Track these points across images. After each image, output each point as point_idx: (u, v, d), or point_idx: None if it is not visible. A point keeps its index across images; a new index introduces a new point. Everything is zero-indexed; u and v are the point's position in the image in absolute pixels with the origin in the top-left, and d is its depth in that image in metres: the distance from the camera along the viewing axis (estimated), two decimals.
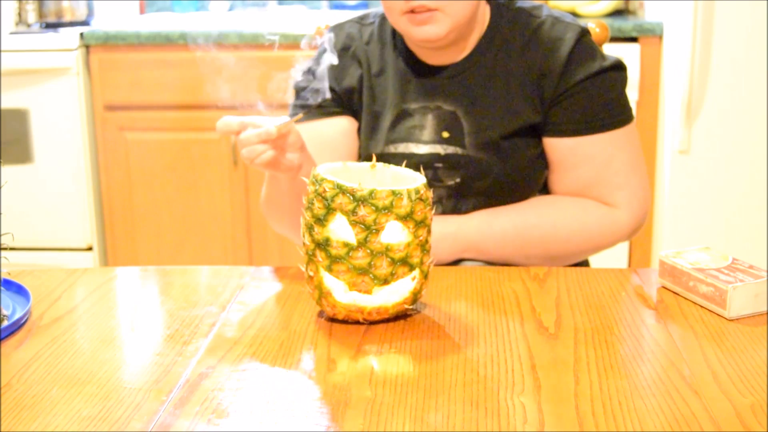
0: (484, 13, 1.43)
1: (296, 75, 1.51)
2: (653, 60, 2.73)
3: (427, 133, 1.42)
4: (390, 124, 1.44)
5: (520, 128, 1.40)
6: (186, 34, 2.80)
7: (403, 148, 1.43)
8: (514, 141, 1.41)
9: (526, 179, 1.43)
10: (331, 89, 1.48)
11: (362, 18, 1.53)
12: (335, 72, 1.48)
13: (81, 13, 3.15)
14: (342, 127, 1.49)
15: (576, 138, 1.40)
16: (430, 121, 1.43)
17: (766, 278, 1.10)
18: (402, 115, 1.44)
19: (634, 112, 2.95)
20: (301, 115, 1.26)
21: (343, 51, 1.49)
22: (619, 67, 1.42)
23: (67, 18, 3.11)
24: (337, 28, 1.52)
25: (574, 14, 2.98)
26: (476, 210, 1.42)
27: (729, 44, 2.57)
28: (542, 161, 1.44)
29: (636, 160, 1.42)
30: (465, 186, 1.41)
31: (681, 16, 2.57)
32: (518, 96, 1.40)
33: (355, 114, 1.49)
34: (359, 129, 1.49)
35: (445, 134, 1.41)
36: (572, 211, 1.40)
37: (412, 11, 1.33)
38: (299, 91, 1.51)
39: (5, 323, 1.07)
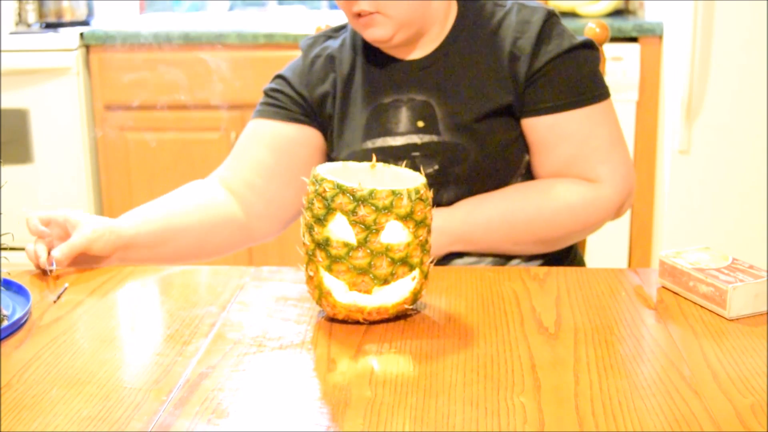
0: (450, 8, 1.45)
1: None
2: (653, 60, 2.73)
3: (403, 124, 1.43)
4: (366, 121, 1.45)
5: (493, 110, 1.40)
6: (188, 33, 2.80)
7: (380, 142, 1.44)
8: (489, 123, 1.40)
9: (505, 163, 1.42)
10: (303, 97, 1.50)
11: (336, 29, 1.56)
12: (308, 79, 1.50)
13: (81, 13, 3.15)
14: (303, 136, 1.50)
15: (553, 115, 1.40)
16: (404, 112, 1.43)
17: (766, 278, 1.10)
18: (376, 111, 1.45)
19: (633, 112, 2.95)
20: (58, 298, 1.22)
21: (315, 59, 1.51)
22: (590, 46, 1.43)
23: (67, 18, 3.11)
24: (309, 40, 1.55)
25: (574, 14, 2.98)
26: (458, 200, 1.42)
27: (729, 44, 2.57)
28: (520, 144, 1.43)
29: (616, 134, 1.42)
30: (443, 173, 1.41)
31: (681, 16, 2.57)
32: (490, 80, 1.41)
33: (324, 125, 1.50)
34: (330, 134, 1.50)
35: (420, 123, 1.42)
36: (556, 190, 1.40)
37: (359, 15, 1.38)
38: (267, 93, 1.53)
39: (5, 323, 1.07)
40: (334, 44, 1.52)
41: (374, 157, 1.14)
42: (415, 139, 1.42)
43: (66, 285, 1.22)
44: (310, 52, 1.53)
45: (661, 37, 2.71)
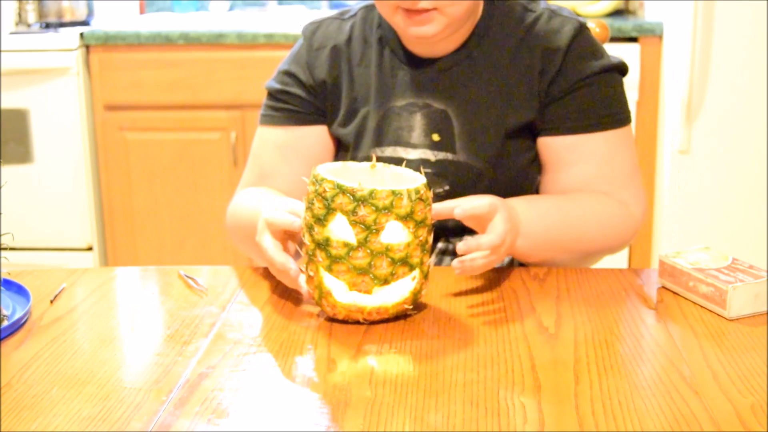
0: (478, 4, 1.35)
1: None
2: (653, 60, 2.73)
3: (416, 135, 1.36)
4: (377, 125, 1.37)
5: (515, 128, 1.34)
6: (186, 34, 2.80)
7: (390, 151, 1.37)
8: (509, 144, 1.35)
9: (518, 187, 1.36)
10: (311, 91, 1.41)
11: (342, 13, 1.46)
12: (312, 68, 1.41)
13: (81, 13, 3.15)
14: (319, 137, 1.42)
15: (576, 136, 1.35)
16: (418, 120, 1.36)
17: (766, 278, 1.10)
18: (388, 114, 1.37)
19: (633, 112, 2.95)
20: None
21: (319, 49, 1.42)
22: (621, 70, 1.38)
23: (67, 18, 3.11)
24: (313, 25, 1.45)
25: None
26: (463, 227, 1.31)
27: (729, 44, 2.57)
28: (535, 167, 1.38)
29: (635, 160, 1.39)
30: (454, 194, 1.31)
31: (681, 16, 2.57)
32: (514, 94, 1.34)
33: (330, 111, 1.42)
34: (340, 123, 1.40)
35: (436, 137, 1.34)
36: (596, 202, 1.34)
37: (408, 9, 1.28)
38: (273, 94, 1.44)
39: (5, 323, 1.07)
40: (340, 33, 1.42)
41: (374, 157, 1.14)
42: (429, 154, 1.35)
43: (63, 285, 1.22)
44: (313, 39, 1.43)
45: (661, 37, 2.71)
